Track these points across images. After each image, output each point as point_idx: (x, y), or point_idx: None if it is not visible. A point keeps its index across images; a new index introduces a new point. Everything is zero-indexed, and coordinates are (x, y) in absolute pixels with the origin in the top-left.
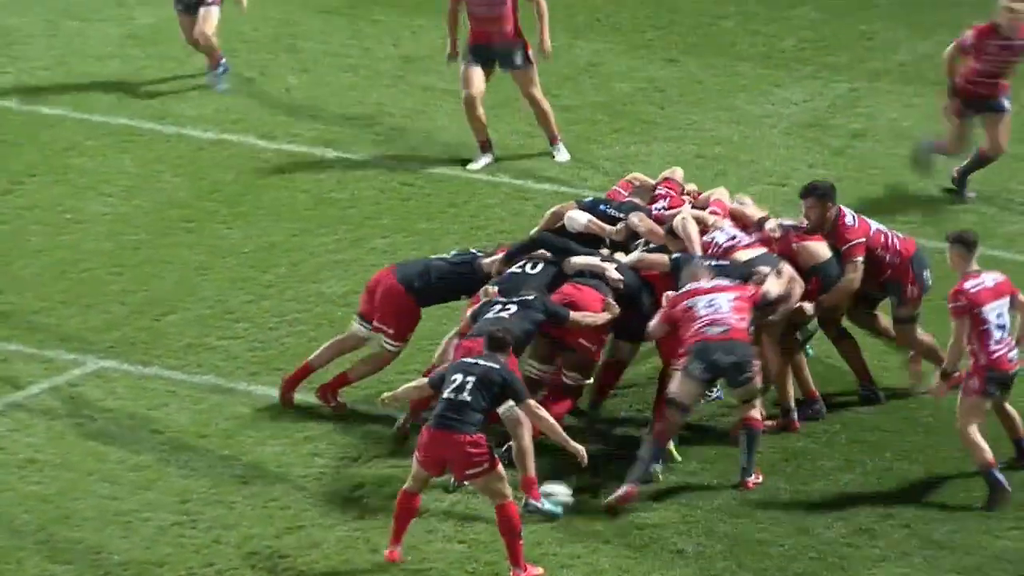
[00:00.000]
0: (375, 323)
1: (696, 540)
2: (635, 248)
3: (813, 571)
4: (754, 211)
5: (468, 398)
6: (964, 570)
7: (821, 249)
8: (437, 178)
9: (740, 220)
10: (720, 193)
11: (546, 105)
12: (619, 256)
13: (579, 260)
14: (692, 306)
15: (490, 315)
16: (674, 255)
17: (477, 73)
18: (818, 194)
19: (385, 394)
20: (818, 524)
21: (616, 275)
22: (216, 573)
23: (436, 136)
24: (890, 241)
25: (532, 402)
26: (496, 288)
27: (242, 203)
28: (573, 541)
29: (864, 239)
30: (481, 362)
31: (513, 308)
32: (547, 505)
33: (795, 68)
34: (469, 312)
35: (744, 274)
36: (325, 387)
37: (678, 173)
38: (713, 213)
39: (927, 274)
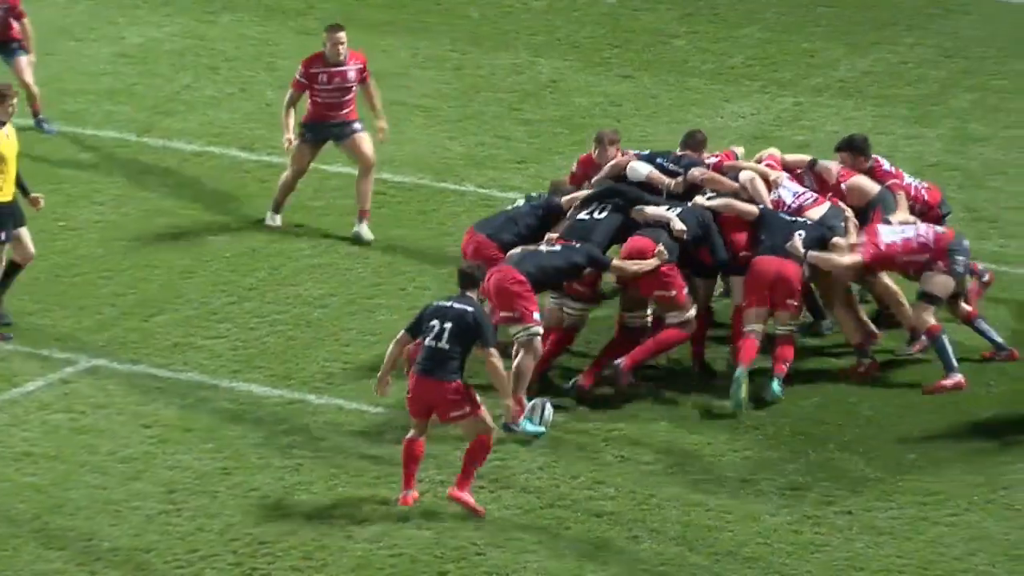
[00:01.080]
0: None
1: (650, 527)
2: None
3: (761, 555)
4: (795, 158)
5: (446, 346)
6: (904, 553)
7: (869, 184)
8: (407, 187)
9: (792, 168)
10: (772, 151)
11: (372, 180)
12: (701, 200)
13: (650, 210)
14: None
15: (528, 248)
16: (761, 206)
17: (307, 152)
18: (854, 147)
19: (374, 384)
20: (765, 511)
21: (680, 225)
22: (200, 559)
23: (406, 147)
24: (919, 193)
25: (493, 350)
26: (557, 236)
27: (224, 211)
28: (537, 526)
29: (899, 181)
30: (455, 305)
31: (556, 248)
32: (528, 427)
33: (743, 84)
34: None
35: (823, 235)
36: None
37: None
38: (770, 167)
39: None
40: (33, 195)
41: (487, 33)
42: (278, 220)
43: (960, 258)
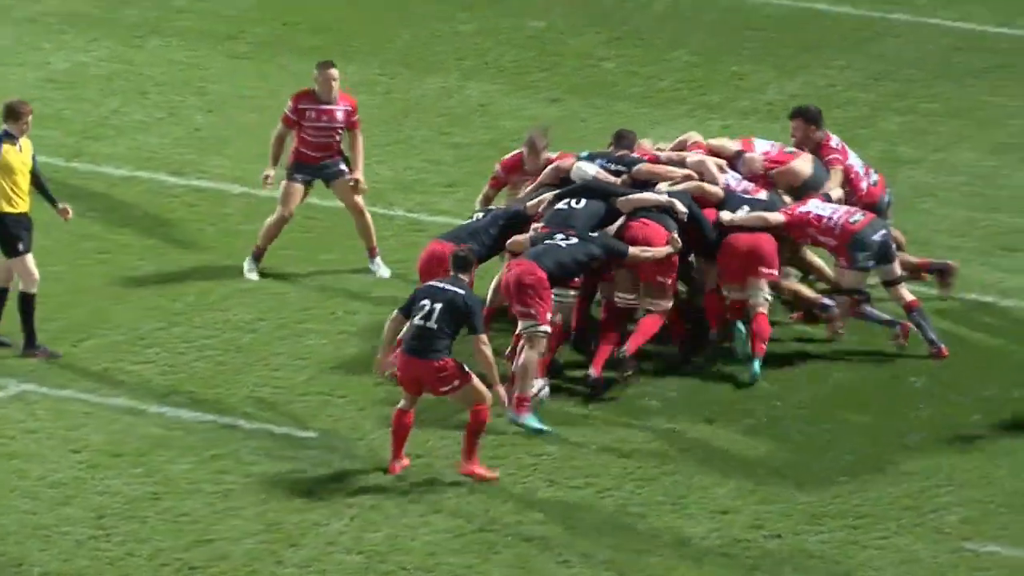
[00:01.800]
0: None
1: (580, 551)
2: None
3: None
4: (719, 143)
5: (435, 326)
6: None
7: (801, 165)
8: (335, 212)
9: (718, 154)
10: (695, 135)
11: (369, 217)
12: (665, 189)
13: (637, 197)
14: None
15: (548, 242)
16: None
17: (297, 192)
18: (808, 116)
19: (376, 367)
20: (695, 535)
21: (683, 207)
22: None
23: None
24: (860, 182)
25: (483, 336)
26: (543, 224)
27: (153, 236)
28: (467, 551)
29: (841, 158)
30: (448, 287)
31: (573, 240)
32: (533, 423)
33: (672, 107)
34: (527, 238)
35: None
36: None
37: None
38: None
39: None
40: (61, 206)
41: (416, 57)
42: (256, 274)
43: (862, 254)
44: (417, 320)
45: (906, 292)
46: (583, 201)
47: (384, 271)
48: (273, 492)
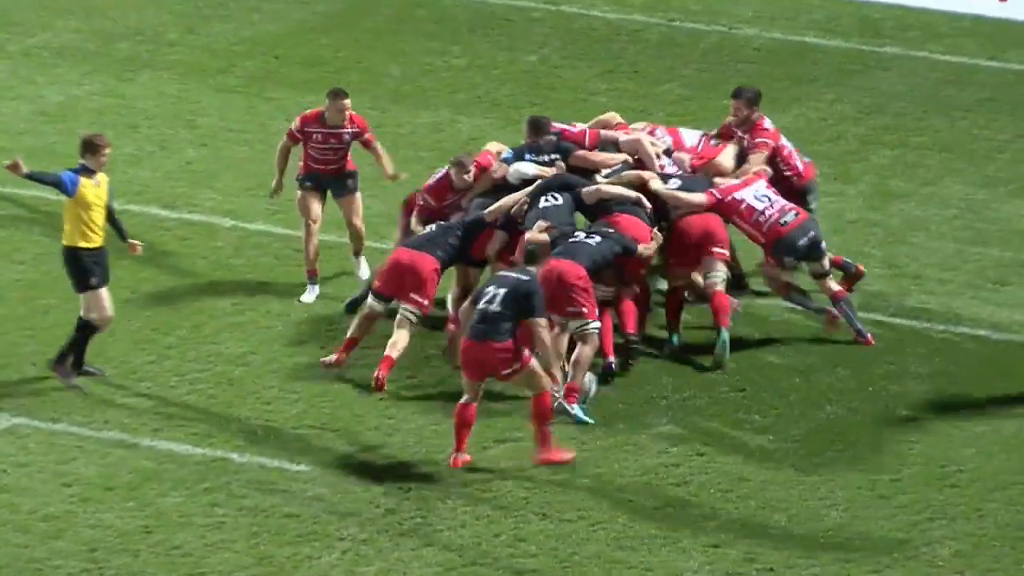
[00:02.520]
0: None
1: None
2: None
3: None
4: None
5: (498, 309)
6: None
7: (724, 159)
8: (329, 245)
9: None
10: (617, 118)
11: (363, 233)
12: (602, 180)
13: (606, 190)
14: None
15: (574, 240)
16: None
17: (311, 200)
18: (746, 96)
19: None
20: (687, 568)
21: (648, 204)
22: None
23: (328, 206)
24: (793, 159)
25: (543, 320)
26: (547, 223)
27: (145, 269)
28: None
29: (771, 141)
30: (513, 275)
31: (598, 238)
32: (577, 412)
33: None
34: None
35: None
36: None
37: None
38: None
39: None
40: (131, 241)
41: (408, 91)
42: (315, 293)
43: (787, 257)
44: (481, 304)
45: (833, 284)
46: (560, 198)
47: (364, 271)
48: (265, 525)
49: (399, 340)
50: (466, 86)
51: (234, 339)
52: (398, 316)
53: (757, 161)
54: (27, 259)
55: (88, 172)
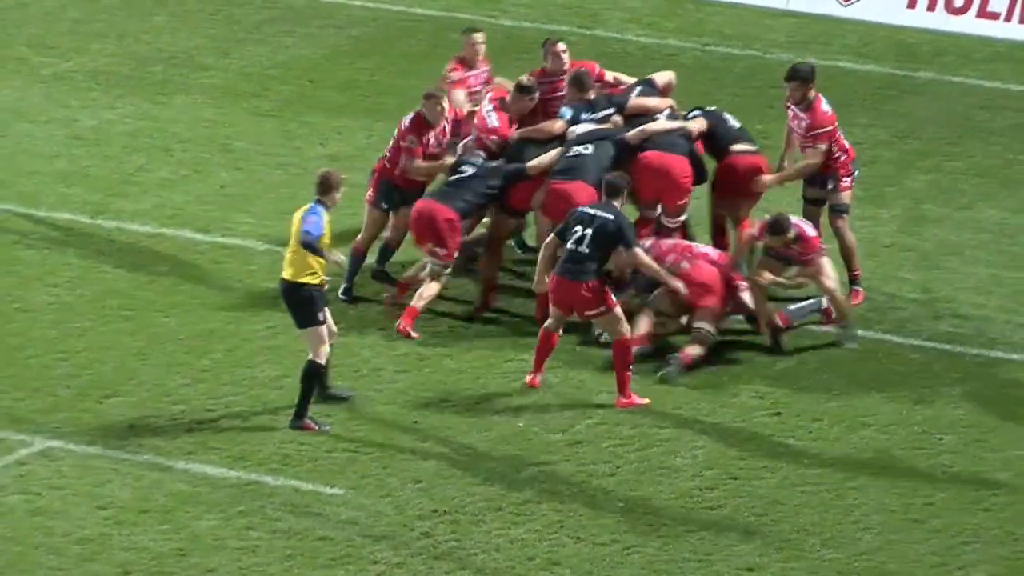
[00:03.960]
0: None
1: None
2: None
3: None
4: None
5: (586, 250)
6: None
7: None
8: (363, 269)
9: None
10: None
11: None
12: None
13: (651, 128)
14: None
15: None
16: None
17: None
18: (801, 75)
19: (535, 287)
20: None
21: (696, 127)
22: None
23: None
24: (843, 140)
25: (638, 249)
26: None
27: (179, 293)
28: None
29: (830, 128)
30: (598, 213)
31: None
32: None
33: None
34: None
35: None
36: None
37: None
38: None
39: (857, 173)
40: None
41: None
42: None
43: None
44: (570, 245)
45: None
46: (591, 147)
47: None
48: (299, 548)
49: (427, 291)
50: None
51: (268, 362)
52: (428, 268)
53: (815, 155)
54: (60, 282)
55: (325, 208)
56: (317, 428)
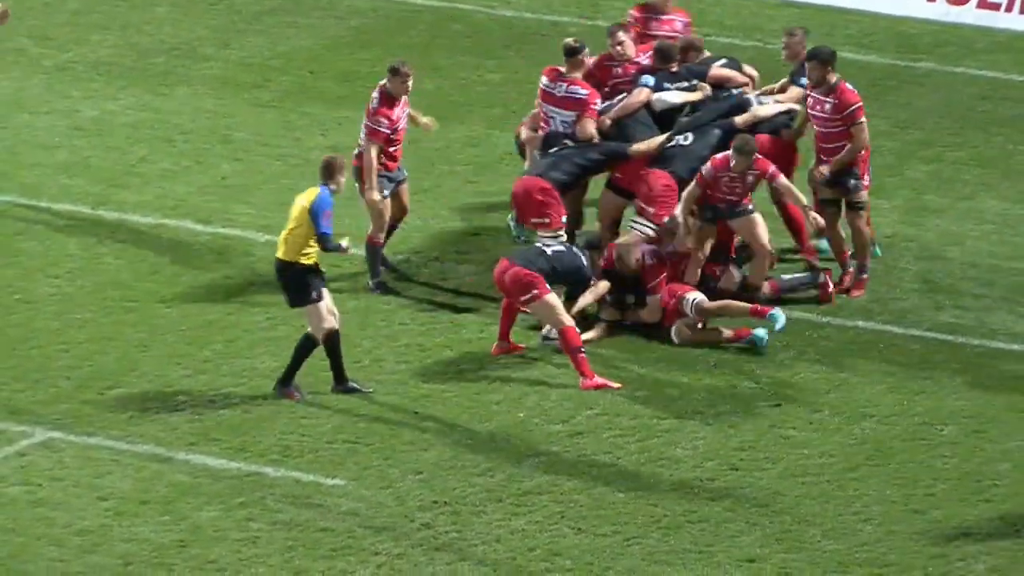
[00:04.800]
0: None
1: None
2: None
3: None
4: None
5: None
6: None
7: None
8: (361, 259)
9: None
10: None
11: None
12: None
13: (764, 111)
14: None
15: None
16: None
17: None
18: (820, 57)
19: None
20: None
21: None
22: None
23: (362, 221)
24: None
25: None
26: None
27: (179, 284)
28: None
29: (861, 103)
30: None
31: None
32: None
33: None
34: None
35: None
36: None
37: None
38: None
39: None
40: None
41: (442, 106)
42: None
43: None
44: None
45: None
46: (690, 136)
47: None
48: (300, 539)
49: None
50: (501, 101)
51: (268, 353)
52: None
53: (861, 131)
54: (62, 273)
55: (332, 194)
56: (299, 398)
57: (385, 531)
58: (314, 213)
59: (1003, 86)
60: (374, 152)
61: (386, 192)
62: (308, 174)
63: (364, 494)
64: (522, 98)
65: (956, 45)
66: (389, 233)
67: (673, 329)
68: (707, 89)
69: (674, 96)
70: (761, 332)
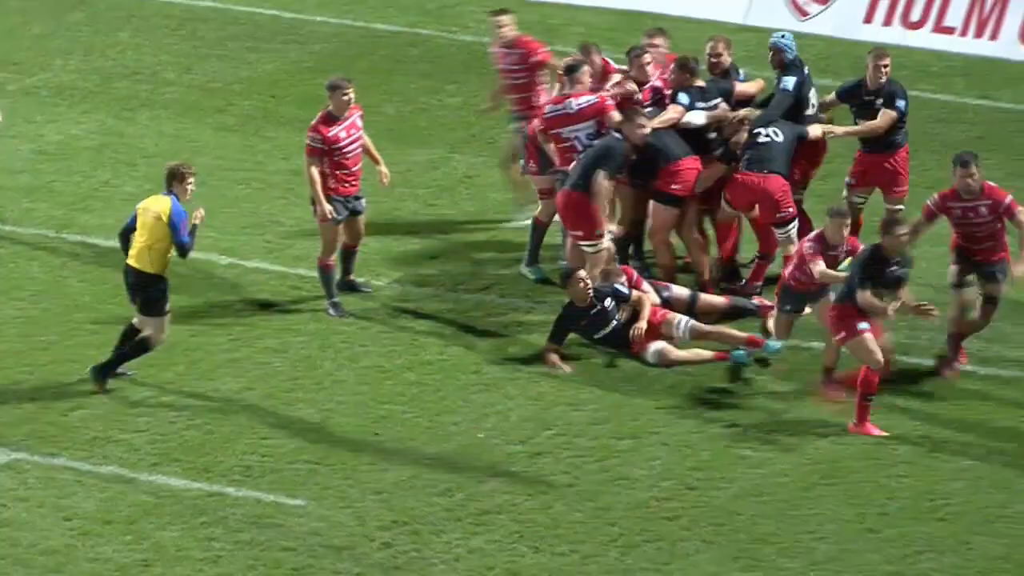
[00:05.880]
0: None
1: None
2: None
3: None
4: None
5: None
6: None
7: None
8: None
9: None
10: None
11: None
12: None
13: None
14: None
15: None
16: None
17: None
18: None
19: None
20: None
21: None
22: None
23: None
24: None
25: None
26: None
27: None
28: None
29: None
30: None
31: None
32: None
33: None
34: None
35: None
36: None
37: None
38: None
39: None
40: None
41: (403, 130)
42: None
43: None
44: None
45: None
46: (780, 134)
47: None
48: (261, 559)
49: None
50: (461, 124)
51: (231, 375)
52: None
53: (886, 117)
54: (26, 296)
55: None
56: (102, 391)
57: (345, 551)
58: (173, 226)
59: (958, 109)
60: (311, 168)
61: (339, 216)
62: (270, 197)
63: (325, 514)
64: (482, 121)
65: (911, 68)
66: (349, 259)
67: (654, 349)
68: (726, 109)
69: (700, 117)
70: (740, 352)
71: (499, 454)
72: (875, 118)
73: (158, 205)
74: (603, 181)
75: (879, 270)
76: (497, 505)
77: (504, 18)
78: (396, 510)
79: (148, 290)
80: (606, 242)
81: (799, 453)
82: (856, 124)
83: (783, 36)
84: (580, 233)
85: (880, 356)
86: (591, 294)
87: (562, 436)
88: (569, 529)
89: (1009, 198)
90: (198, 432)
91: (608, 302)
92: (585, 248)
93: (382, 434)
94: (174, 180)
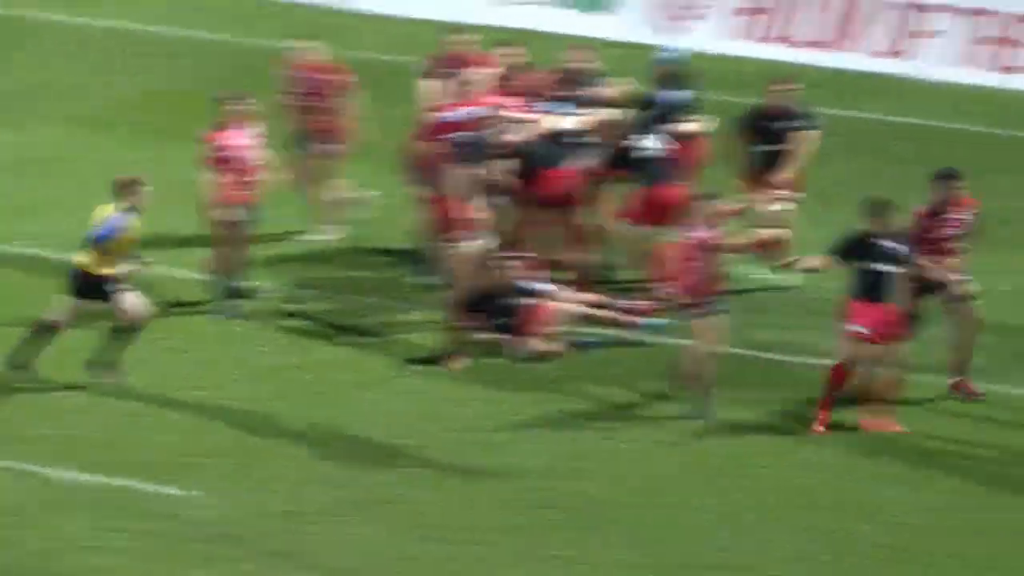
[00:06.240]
0: None
1: None
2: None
3: None
4: None
5: None
6: None
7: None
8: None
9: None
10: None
11: None
12: None
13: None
14: None
15: None
16: None
17: None
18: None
19: None
20: None
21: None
22: None
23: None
24: None
25: None
26: None
27: (36, 305)
28: None
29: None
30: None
31: None
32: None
33: None
34: None
35: None
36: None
37: None
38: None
39: None
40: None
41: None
42: None
43: None
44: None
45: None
46: (661, 144)
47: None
48: (161, 549)
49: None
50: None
51: (136, 373)
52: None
53: None
54: None
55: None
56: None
57: (243, 540)
58: (98, 226)
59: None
60: (205, 176)
61: (232, 222)
62: (169, 205)
63: (223, 505)
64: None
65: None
66: (241, 264)
67: (543, 338)
68: (596, 113)
69: (567, 122)
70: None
71: (391, 447)
72: (783, 142)
73: (103, 212)
74: (459, 174)
75: None
76: (388, 496)
77: (316, 43)
78: (291, 501)
79: (96, 289)
80: (473, 244)
81: (682, 448)
82: (760, 149)
83: (665, 50)
84: (448, 235)
85: (855, 357)
86: (511, 279)
87: (452, 431)
88: (457, 518)
89: None
90: (99, 427)
91: (515, 294)
92: (454, 249)
93: (277, 428)
94: (124, 191)
